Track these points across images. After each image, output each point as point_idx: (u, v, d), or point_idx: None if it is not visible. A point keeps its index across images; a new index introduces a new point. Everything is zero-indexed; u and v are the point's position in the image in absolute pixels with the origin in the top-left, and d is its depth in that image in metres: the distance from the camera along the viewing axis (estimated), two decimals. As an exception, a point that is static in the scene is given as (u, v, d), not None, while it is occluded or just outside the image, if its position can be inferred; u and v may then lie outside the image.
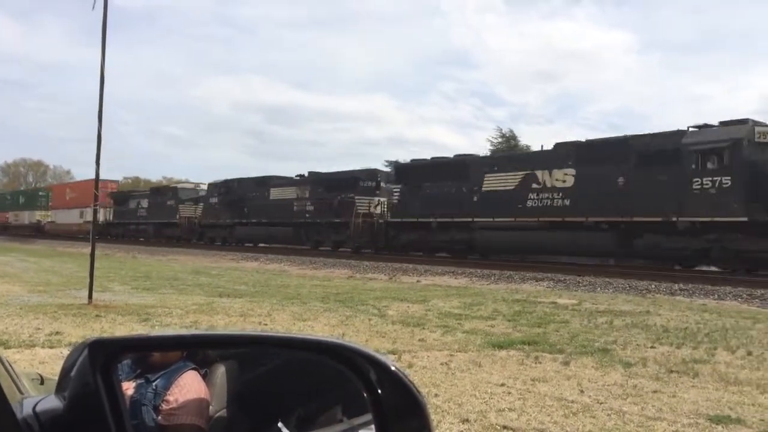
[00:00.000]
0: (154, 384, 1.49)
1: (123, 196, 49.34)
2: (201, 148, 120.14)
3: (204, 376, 1.41)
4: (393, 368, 1.10)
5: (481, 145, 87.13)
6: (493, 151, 42.14)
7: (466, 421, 4.44)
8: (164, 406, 1.45)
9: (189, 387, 1.38)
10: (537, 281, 16.95)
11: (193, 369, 1.44)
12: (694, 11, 73.97)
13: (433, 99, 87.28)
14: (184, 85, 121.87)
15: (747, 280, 15.37)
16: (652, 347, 7.36)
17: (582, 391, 5.31)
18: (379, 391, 1.08)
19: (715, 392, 5.35)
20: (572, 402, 4.97)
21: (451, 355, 6.73)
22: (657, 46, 76.64)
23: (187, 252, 31.72)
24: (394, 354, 6.64)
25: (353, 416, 1.27)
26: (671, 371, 6.09)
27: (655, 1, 77.71)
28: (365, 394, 1.11)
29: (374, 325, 8.81)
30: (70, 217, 51.26)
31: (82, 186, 47.95)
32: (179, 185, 45.72)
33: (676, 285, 14.98)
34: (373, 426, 1.10)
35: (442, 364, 6.29)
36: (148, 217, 44.05)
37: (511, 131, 42.92)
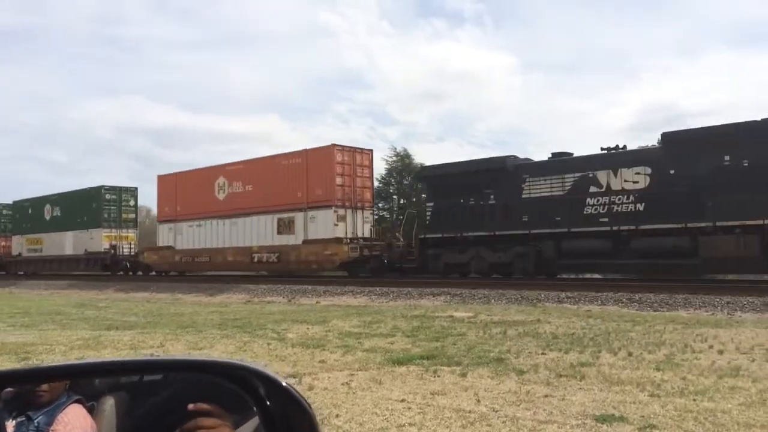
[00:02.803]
0: (36, 421, 1.42)
1: None
2: (83, 175, 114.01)
3: (90, 410, 1.36)
4: (284, 384, 1.12)
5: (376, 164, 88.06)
6: (388, 170, 42.71)
7: (367, 439, 4.47)
8: None
9: (73, 422, 1.32)
10: (434, 296, 17.31)
11: (77, 402, 1.39)
12: (569, 32, 78.75)
13: (326, 119, 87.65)
14: (61, 106, 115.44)
15: (627, 285, 16.38)
16: (542, 354, 7.70)
17: (479, 401, 5.48)
18: (269, 403, 1.10)
19: (600, 393, 5.67)
20: (470, 412, 5.11)
21: (352, 375, 6.75)
22: (537, 66, 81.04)
23: (72, 284, 29.97)
24: (294, 377, 6.57)
25: None
26: (560, 376, 6.40)
27: (533, 23, 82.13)
28: (255, 409, 1.12)
29: (274, 349, 8.69)
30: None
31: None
32: None
33: (564, 293, 15.74)
34: None
35: (343, 384, 6.29)
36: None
37: (405, 150, 43.72)
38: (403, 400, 5.56)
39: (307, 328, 10.91)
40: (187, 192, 30.32)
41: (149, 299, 20.73)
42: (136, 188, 37.21)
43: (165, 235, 31.70)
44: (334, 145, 25.09)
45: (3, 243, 43.86)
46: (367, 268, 24.02)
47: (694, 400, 5.30)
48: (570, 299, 15.11)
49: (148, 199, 43.97)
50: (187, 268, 30.73)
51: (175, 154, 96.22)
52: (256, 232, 26.94)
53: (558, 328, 10.04)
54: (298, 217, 25.51)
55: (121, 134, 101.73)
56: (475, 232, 20.97)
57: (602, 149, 19.50)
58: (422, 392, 5.86)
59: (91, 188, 36.57)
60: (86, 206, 35.84)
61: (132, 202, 36.72)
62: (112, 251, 34.19)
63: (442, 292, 17.69)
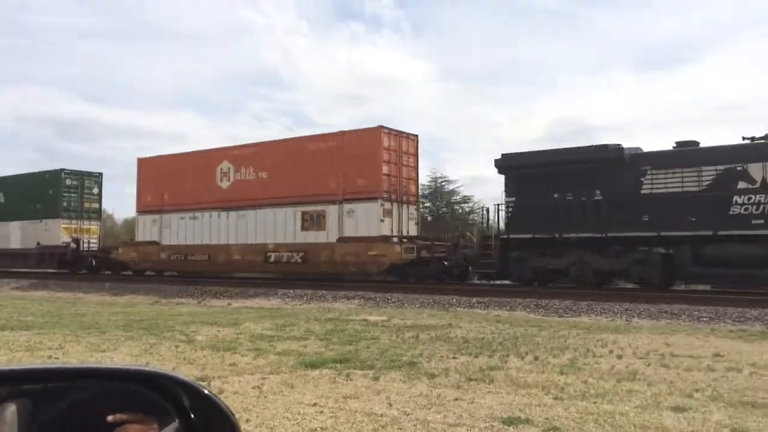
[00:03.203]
0: None
1: None
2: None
3: None
4: (206, 392, 1.09)
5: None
6: None
7: (278, 443, 4.41)
8: None
9: None
10: (349, 299, 17.32)
11: None
12: (486, 44, 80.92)
13: (243, 118, 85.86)
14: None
15: (534, 291, 16.94)
16: (454, 358, 7.85)
17: (390, 405, 5.51)
18: (190, 413, 1.06)
19: (507, 396, 5.83)
20: (381, 416, 5.14)
21: (264, 378, 6.64)
22: (455, 75, 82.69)
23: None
24: (203, 380, 6.39)
25: None
26: (470, 379, 6.54)
27: (451, 32, 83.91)
28: (177, 420, 1.08)
29: (182, 351, 8.43)
30: None
31: None
32: None
33: (474, 298, 16.12)
34: None
35: (253, 387, 6.18)
36: None
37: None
38: (315, 404, 5.52)
39: (218, 331, 10.66)
40: (177, 178, 25.69)
41: (48, 298, 19.67)
42: (101, 174, 32.11)
43: (146, 228, 26.90)
44: (381, 126, 21.09)
45: None
46: (425, 272, 20.63)
47: (595, 402, 5.54)
48: (480, 304, 15.48)
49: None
50: (177, 267, 26.27)
51: (80, 147, 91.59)
52: (273, 228, 22.83)
53: (469, 332, 10.26)
54: (331, 210, 21.57)
55: (22, 125, 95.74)
56: (579, 233, 17.50)
57: (744, 138, 16.26)
58: (335, 396, 5.84)
59: (47, 172, 31.17)
60: (40, 192, 30.66)
61: (96, 190, 31.68)
62: (74, 245, 29.32)
63: (357, 296, 17.72)
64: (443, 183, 39.92)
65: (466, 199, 39.60)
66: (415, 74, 79.99)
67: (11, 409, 1.22)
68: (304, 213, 22.18)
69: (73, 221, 30.36)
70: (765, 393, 5.82)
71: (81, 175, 31.21)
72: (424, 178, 38.84)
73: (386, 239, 20.64)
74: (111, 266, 28.69)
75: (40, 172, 31.65)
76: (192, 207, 25.27)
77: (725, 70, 75.31)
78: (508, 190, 19.07)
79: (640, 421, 4.93)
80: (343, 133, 21.76)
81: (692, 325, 11.77)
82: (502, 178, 19.28)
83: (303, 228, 22.18)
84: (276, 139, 23.94)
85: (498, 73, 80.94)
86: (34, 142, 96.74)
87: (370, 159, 20.82)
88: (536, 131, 76.16)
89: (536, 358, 7.76)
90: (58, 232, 29.83)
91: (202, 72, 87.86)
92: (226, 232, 24.24)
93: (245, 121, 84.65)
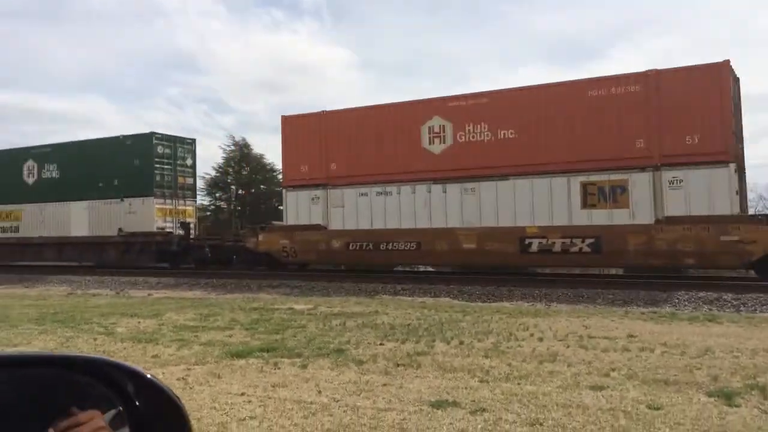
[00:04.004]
0: None
1: None
2: None
3: None
4: (149, 377, 1.05)
5: (214, 152, 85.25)
6: (225, 159, 41.41)
7: (206, 435, 4.33)
8: None
9: None
10: (273, 288, 17.14)
11: None
12: (404, 35, 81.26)
13: (157, 103, 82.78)
14: None
15: (457, 278, 17.27)
16: (381, 344, 7.91)
17: (320, 392, 5.51)
18: (137, 402, 1.03)
19: (435, 380, 5.94)
20: (311, 403, 5.13)
21: (189, 369, 6.50)
22: (374, 65, 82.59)
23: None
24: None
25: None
26: (398, 365, 6.62)
27: (370, 22, 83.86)
28: (121, 408, 1.04)
29: (101, 344, 8.13)
30: None
31: None
32: None
33: (399, 285, 16.28)
34: None
35: (178, 379, 6.04)
36: None
37: (244, 139, 42.50)
38: (242, 394, 5.45)
39: (139, 322, 10.33)
40: (353, 141, 19.45)
41: (-49, 291, 18.49)
42: (194, 141, 25.08)
43: (300, 208, 20.29)
44: (728, 62, 15.40)
45: None
46: None
47: (519, 384, 5.72)
48: (405, 291, 15.66)
49: None
50: (358, 259, 19.55)
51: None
52: (528, 205, 16.99)
53: (395, 319, 10.36)
54: (638, 180, 15.81)
55: None
56: None
57: None
58: (263, 385, 5.79)
59: (130, 136, 23.85)
60: (120, 164, 23.41)
61: (189, 161, 24.70)
62: (180, 232, 22.93)
63: (282, 284, 17.55)
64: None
65: None
66: (335, 62, 79.42)
67: None
68: (586, 184, 16.37)
69: (167, 200, 23.70)
70: (676, 371, 6.16)
71: (173, 141, 24.22)
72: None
73: (749, 219, 15.41)
74: (244, 259, 21.57)
75: (116, 138, 24.23)
76: (381, 179, 18.93)
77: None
78: None
79: (562, 400, 5.13)
80: (657, 72, 15.90)
81: (607, 308, 12.31)
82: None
83: (586, 205, 16.39)
84: (526, 86, 17.71)
85: (416, 64, 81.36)
86: None
87: (706, 106, 15.29)
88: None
89: (461, 343, 7.93)
90: (151, 214, 23.18)
91: (112, 55, 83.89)
92: (443, 212, 18.19)
93: (161, 106, 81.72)
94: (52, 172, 25.38)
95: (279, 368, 6.53)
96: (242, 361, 6.89)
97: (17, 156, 26.37)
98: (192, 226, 23.94)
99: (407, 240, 18.39)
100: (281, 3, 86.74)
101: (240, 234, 22.37)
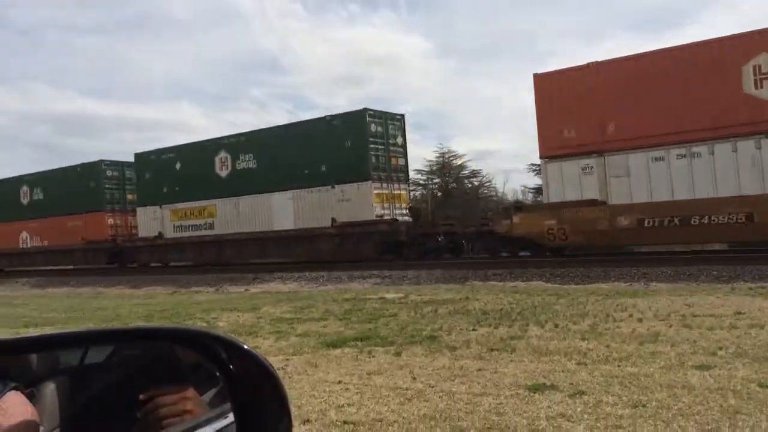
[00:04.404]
0: None
1: None
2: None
3: (30, 396, 1.28)
4: (245, 347, 1.10)
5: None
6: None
7: (307, 421, 4.45)
8: None
9: (13, 410, 1.23)
10: (364, 279, 17.36)
11: (14, 389, 1.30)
12: (483, 20, 79.77)
13: (243, 105, 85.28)
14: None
15: (550, 261, 16.86)
16: (473, 330, 7.86)
17: (414, 378, 5.54)
18: (232, 369, 1.08)
19: (530, 364, 5.84)
20: (406, 389, 5.17)
21: (287, 360, 6.70)
22: (452, 51, 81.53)
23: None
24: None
25: (213, 406, 1.23)
26: (492, 350, 6.56)
27: (447, 8, 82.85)
28: (219, 375, 1.10)
29: (204, 338, 8.51)
30: None
31: None
32: None
33: (490, 271, 16.09)
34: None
35: (278, 369, 6.22)
36: None
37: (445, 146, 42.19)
38: (339, 382, 5.56)
39: (238, 316, 10.74)
40: (636, 95, 16.05)
41: (69, 294, 19.88)
42: (403, 116, 22.41)
43: (568, 181, 17.03)
44: None
45: (114, 221, 28.01)
46: None
47: (619, 366, 5.54)
48: (496, 276, 15.48)
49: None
50: (660, 238, 16.28)
51: (81, 142, 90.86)
52: None
53: (486, 304, 10.27)
54: None
55: (20, 123, 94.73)
56: None
57: None
58: (358, 373, 5.88)
59: (337, 116, 21.66)
60: (330, 146, 21.10)
61: (400, 140, 22.00)
62: (408, 218, 20.81)
63: (372, 275, 17.76)
64: (450, 158, 39.51)
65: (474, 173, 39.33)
66: (413, 52, 79.09)
67: (50, 387, 1.24)
68: None
69: (383, 184, 21.00)
70: (789, 347, 5.80)
71: (384, 118, 21.55)
72: (430, 154, 38.27)
73: None
74: (491, 245, 18.82)
75: (321, 119, 22.05)
76: (683, 137, 15.44)
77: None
78: None
79: (665, 381, 4.93)
80: None
81: (711, 285, 11.72)
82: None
83: None
84: None
85: (494, 46, 79.55)
86: (34, 139, 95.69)
87: None
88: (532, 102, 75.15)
89: (556, 326, 7.76)
90: (368, 201, 20.49)
91: (196, 61, 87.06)
92: None
93: (246, 107, 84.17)
94: (248, 162, 23.39)
95: (373, 356, 6.62)
96: (337, 351, 7.03)
97: (207, 148, 24.67)
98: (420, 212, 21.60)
99: (732, 211, 14.67)
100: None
101: (487, 217, 20.16)
